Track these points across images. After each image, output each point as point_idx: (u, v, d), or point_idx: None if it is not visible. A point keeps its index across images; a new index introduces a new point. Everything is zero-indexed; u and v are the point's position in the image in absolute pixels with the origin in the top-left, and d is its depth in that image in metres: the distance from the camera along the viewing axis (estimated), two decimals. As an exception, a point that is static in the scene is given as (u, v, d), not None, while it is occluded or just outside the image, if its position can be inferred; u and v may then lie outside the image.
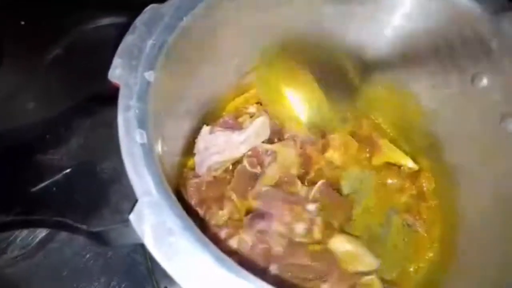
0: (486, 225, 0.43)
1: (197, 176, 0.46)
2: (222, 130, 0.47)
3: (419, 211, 0.50)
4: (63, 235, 0.50)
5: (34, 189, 0.39)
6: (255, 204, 0.46)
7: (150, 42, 0.34)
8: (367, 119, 0.55)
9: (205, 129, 0.47)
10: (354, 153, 0.53)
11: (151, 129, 0.31)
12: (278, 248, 0.42)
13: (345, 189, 0.51)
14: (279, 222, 0.43)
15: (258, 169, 0.47)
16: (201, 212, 0.45)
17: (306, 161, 0.50)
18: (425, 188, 0.51)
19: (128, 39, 0.34)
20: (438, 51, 0.45)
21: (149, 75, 0.33)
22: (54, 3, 0.60)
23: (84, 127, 0.42)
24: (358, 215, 0.50)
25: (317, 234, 0.44)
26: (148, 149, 0.30)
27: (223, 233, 0.42)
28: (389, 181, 0.52)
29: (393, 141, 0.54)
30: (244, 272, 0.26)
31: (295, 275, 0.42)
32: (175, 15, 0.36)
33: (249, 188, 0.46)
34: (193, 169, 0.47)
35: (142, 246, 0.49)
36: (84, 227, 0.36)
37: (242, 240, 0.42)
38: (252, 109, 0.52)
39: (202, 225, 0.43)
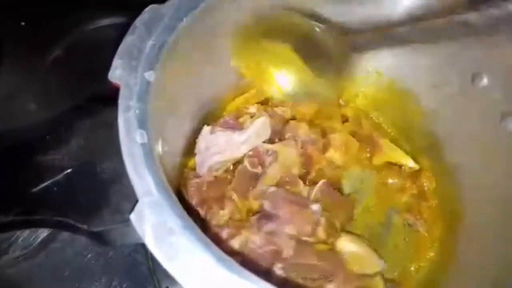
0: (487, 225, 0.43)
1: (198, 176, 0.46)
2: (223, 130, 0.47)
3: (420, 210, 0.50)
4: (65, 235, 0.50)
5: (35, 190, 0.39)
6: (256, 204, 0.46)
7: (150, 43, 0.34)
8: (368, 119, 0.56)
9: (206, 129, 0.47)
10: (355, 152, 0.53)
11: (151, 129, 0.31)
12: (288, 249, 0.42)
13: (346, 189, 0.51)
14: (289, 224, 0.43)
15: (259, 169, 0.47)
16: (202, 212, 0.45)
17: (307, 161, 0.50)
18: (425, 188, 0.51)
19: (128, 40, 0.34)
20: (439, 49, 0.45)
21: (149, 76, 0.33)
22: (54, 3, 0.60)
23: (85, 128, 0.42)
24: (359, 215, 0.50)
25: (321, 234, 0.44)
26: (148, 149, 0.30)
27: (224, 233, 0.42)
28: (390, 180, 0.52)
29: (393, 140, 0.54)
30: (246, 272, 0.26)
31: (301, 274, 0.42)
32: (175, 15, 0.36)
33: (250, 188, 0.46)
34: (194, 169, 0.47)
35: (143, 246, 0.49)
36: (85, 227, 0.36)
37: (249, 240, 0.42)
38: (253, 109, 0.52)
39: (203, 225, 0.43)
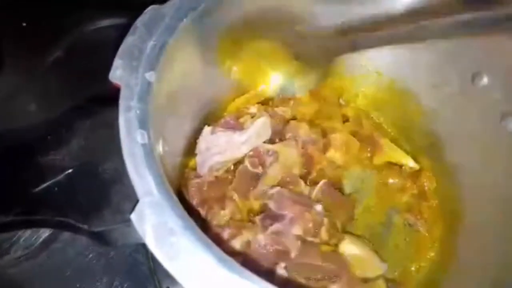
0: (487, 225, 0.43)
1: (198, 176, 0.46)
2: (224, 131, 0.47)
3: (420, 210, 0.50)
4: (66, 235, 0.50)
5: (35, 190, 0.39)
6: (257, 204, 0.46)
7: (150, 43, 0.34)
8: (368, 119, 0.56)
9: (207, 129, 0.47)
10: (356, 152, 0.53)
11: (152, 129, 0.31)
12: (294, 249, 0.42)
13: (347, 189, 0.52)
14: (295, 224, 0.43)
15: (259, 169, 0.47)
16: (202, 212, 0.45)
17: (308, 161, 0.50)
18: (426, 188, 0.51)
19: (129, 40, 0.34)
20: (438, 49, 0.45)
21: (150, 76, 0.33)
22: (55, 4, 0.60)
23: (85, 128, 0.42)
24: (360, 215, 0.50)
25: (324, 234, 0.44)
26: (149, 150, 0.30)
27: (225, 234, 0.42)
28: (390, 180, 0.52)
29: (394, 140, 0.54)
30: (248, 273, 0.26)
31: (304, 275, 0.42)
32: (176, 16, 0.36)
33: (251, 188, 0.47)
34: (194, 169, 0.47)
35: (144, 246, 0.49)
36: (85, 227, 0.36)
37: (254, 240, 0.42)
38: (253, 109, 0.52)
39: (204, 225, 0.43)
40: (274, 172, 0.47)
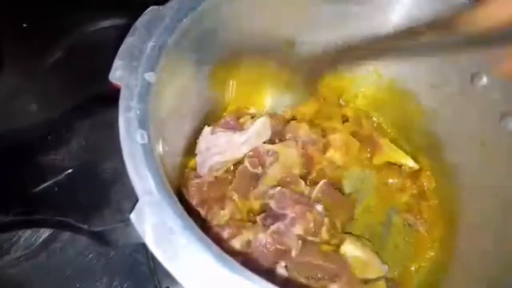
0: (486, 225, 0.43)
1: (198, 176, 0.47)
2: (223, 131, 0.47)
3: (419, 210, 0.50)
4: (66, 235, 0.50)
5: (36, 189, 0.39)
6: (256, 204, 0.46)
7: (150, 44, 0.34)
8: (368, 119, 0.56)
9: (207, 129, 0.47)
10: (356, 152, 0.53)
11: (152, 129, 0.31)
12: (295, 248, 0.42)
13: (346, 189, 0.52)
14: (296, 224, 0.43)
15: (259, 170, 0.47)
16: (202, 212, 0.45)
17: (308, 161, 0.50)
18: (425, 188, 0.51)
19: (129, 41, 0.34)
20: (438, 48, 0.45)
21: (150, 76, 0.33)
22: (55, 4, 0.60)
23: (85, 128, 0.42)
24: (359, 215, 0.50)
25: (324, 234, 0.44)
26: (149, 149, 0.30)
27: (225, 233, 0.43)
28: (390, 180, 0.52)
29: (393, 140, 0.54)
30: (248, 272, 0.26)
31: (304, 274, 0.42)
32: (175, 16, 0.36)
33: (251, 188, 0.47)
34: (194, 169, 0.47)
35: (144, 246, 0.49)
36: (85, 226, 0.36)
37: (255, 239, 0.42)
38: (253, 109, 0.53)
39: (203, 225, 0.43)
40: (274, 172, 0.47)
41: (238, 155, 0.47)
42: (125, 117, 0.31)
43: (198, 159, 0.47)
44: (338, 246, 0.45)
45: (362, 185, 0.52)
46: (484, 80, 0.42)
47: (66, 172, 0.40)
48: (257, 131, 0.48)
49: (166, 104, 0.37)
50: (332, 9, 0.46)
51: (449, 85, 0.46)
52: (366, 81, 0.54)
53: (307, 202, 0.45)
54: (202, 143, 0.47)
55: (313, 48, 0.50)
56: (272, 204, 0.44)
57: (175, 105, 0.41)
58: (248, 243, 0.42)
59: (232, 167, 0.49)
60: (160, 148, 0.35)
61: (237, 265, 0.26)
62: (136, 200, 0.28)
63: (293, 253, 0.42)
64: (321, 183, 0.47)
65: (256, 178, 0.47)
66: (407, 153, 0.53)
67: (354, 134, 0.54)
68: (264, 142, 0.49)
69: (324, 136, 0.52)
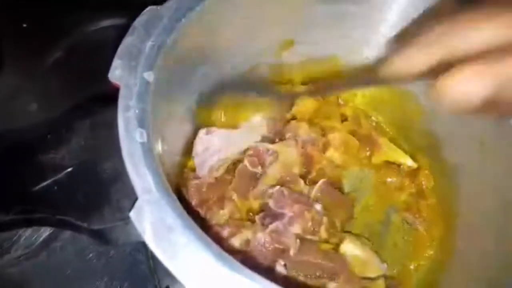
0: (485, 224, 0.43)
1: (197, 177, 0.47)
2: (219, 130, 0.48)
3: (418, 209, 0.50)
4: (66, 234, 0.50)
5: (36, 188, 0.39)
6: (256, 204, 0.46)
7: (149, 43, 0.35)
8: (367, 118, 0.56)
9: (202, 131, 0.47)
10: (355, 151, 0.53)
11: (151, 128, 0.32)
12: (293, 247, 0.42)
13: (345, 188, 0.52)
14: (294, 223, 0.43)
15: (259, 169, 0.47)
16: (201, 212, 0.45)
17: (307, 161, 0.50)
18: (424, 186, 0.51)
19: (128, 40, 0.34)
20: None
21: (149, 76, 0.33)
22: (54, 4, 0.60)
23: (85, 127, 0.42)
24: (358, 214, 0.50)
25: (323, 233, 0.45)
26: (148, 148, 0.30)
27: (225, 232, 0.43)
28: (389, 179, 0.52)
29: (392, 140, 0.54)
30: (247, 270, 0.26)
31: (303, 272, 0.42)
32: (174, 16, 0.36)
33: (251, 188, 0.47)
34: (193, 170, 0.47)
35: (144, 245, 0.49)
36: (85, 225, 0.37)
37: (253, 238, 0.42)
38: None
39: (203, 224, 0.43)
40: (274, 172, 0.47)
41: (236, 150, 0.48)
42: (124, 116, 0.31)
43: (196, 161, 0.47)
44: (337, 245, 0.45)
45: (361, 184, 0.52)
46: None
47: (66, 171, 0.40)
48: (251, 126, 0.48)
49: (165, 103, 0.37)
50: (328, 9, 0.46)
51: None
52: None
53: (305, 202, 0.45)
54: (199, 145, 0.47)
55: (310, 50, 0.51)
56: (271, 203, 0.44)
57: (174, 104, 0.41)
58: (247, 242, 0.43)
59: (232, 165, 0.49)
60: (159, 147, 0.35)
61: (237, 263, 0.26)
62: (136, 199, 0.28)
63: (291, 252, 0.42)
64: (320, 182, 0.47)
65: (255, 178, 0.47)
66: (406, 152, 0.53)
67: (353, 133, 0.53)
68: (264, 142, 0.49)
69: (323, 135, 0.52)
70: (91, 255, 0.50)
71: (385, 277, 0.45)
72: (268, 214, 0.44)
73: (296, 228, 0.43)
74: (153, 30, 0.35)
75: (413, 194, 0.51)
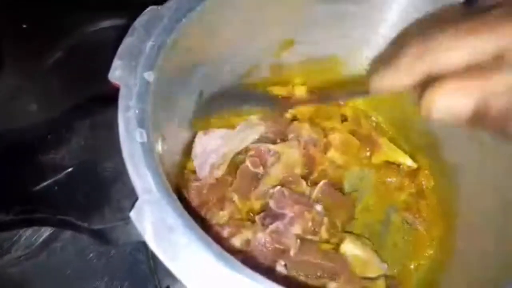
0: (485, 224, 0.43)
1: (198, 179, 0.47)
2: (216, 130, 0.48)
3: (418, 209, 0.50)
4: (67, 234, 0.50)
5: (36, 188, 0.39)
6: (257, 204, 0.46)
7: (149, 43, 0.35)
8: (367, 118, 0.56)
9: (200, 133, 0.47)
10: (355, 151, 0.53)
11: (151, 128, 0.32)
12: (293, 248, 0.42)
13: (346, 188, 0.52)
14: (294, 223, 0.43)
15: (260, 169, 0.47)
16: (202, 213, 0.45)
17: (309, 162, 0.50)
18: (424, 186, 0.51)
19: (128, 41, 0.34)
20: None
21: (149, 76, 0.33)
22: (55, 5, 0.60)
23: (85, 127, 0.42)
24: (359, 213, 0.50)
25: (324, 233, 0.45)
26: (148, 148, 0.30)
27: (225, 232, 0.43)
28: (389, 179, 0.52)
29: (392, 139, 0.54)
30: (248, 270, 0.26)
31: (303, 272, 0.42)
32: (174, 16, 0.36)
33: (252, 188, 0.47)
34: (193, 171, 0.48)
35: (144, 245, 0.49)
36: (85, 225, 0.37)
37: (254, 238, 0.42)
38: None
39: (204, 224, 0.43)
40: (276, 172, 0.47)
41: (235, 148, 0.48)
42: (124, 116, 0.31)
43: (196, 163, 0.47)
44: (338, 245, 0.45)
45: (361, 184, 0.52)
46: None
47: (66, 171, 0.40)
48: (248, 125, 0.48)
49: (165, 104, 0.37)
50: (328, 9, 0.46)
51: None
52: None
53: (306, 202, 0.45)
54: (198, 147, 0.47)
55: (310, 50, 0.51)
56: (271, 203, 0.45)
57: (174, 104, 0.41)
58: (248, 242, 0.43)
59: (233, 168, 0.49)
60: (159, 147, 0.35)
61: (237, 263, 0.26)
62: (136, 199, 0.28)
63: (292, 252, 0.42)
64: (321, 183, 0.47)
65: (257, 178, 0.47)
66: (406, 152, 0.53)
67: (353, 133, 0.54)
68: (267, 142, 0.49)
69: (325, 135, 0.52)
70: (91, 255, 0.50)
71: (386, 277, 0.45)
72: (268, 214, 0.44)
73: (297, 229, 0.43)
74: (153, 30, 0.35)
75: (413, 194, 0.51)
